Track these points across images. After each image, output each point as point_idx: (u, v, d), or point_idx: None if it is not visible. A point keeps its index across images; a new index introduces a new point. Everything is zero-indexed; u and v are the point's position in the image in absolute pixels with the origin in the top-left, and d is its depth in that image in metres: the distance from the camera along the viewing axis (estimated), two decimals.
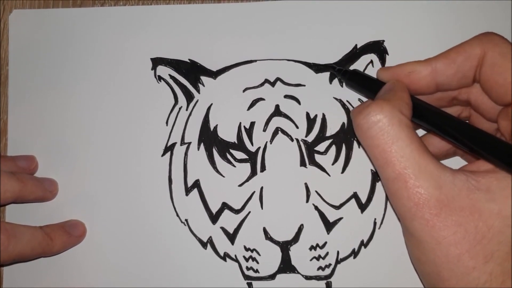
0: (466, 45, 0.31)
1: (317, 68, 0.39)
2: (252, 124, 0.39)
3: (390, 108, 0.29)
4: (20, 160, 0.39)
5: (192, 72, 0.40)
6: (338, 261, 0.38)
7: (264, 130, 0.39)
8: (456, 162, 0.36)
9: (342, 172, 0.38)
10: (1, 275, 0.39)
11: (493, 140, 0.29)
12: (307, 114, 0.39)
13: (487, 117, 0.32)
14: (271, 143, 0.39)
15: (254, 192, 0.38)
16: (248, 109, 0.39)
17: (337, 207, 0.38)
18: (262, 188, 0.38)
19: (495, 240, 0.27)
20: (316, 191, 0.38)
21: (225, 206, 0.38)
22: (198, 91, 0.40)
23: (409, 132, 0.29)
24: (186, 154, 0.39)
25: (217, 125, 0.39)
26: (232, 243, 0.38)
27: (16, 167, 0.38)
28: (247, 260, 0.38)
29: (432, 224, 0.27)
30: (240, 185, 0.39)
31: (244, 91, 0.39)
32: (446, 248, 0.27)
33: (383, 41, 0.39)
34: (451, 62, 0.31)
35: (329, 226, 0.38)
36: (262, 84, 0.39)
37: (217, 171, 0.39)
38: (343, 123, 0.39)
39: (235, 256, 0.38)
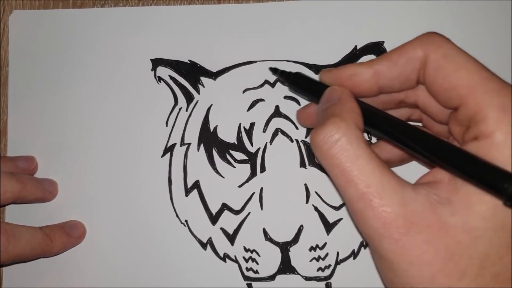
0: (408, 47, 0.29)
1: (317, 69, 0.39)
2: (252, 125, 0.39)
3: (346, 125, 0.28)
4: (19, 160, 0.39)
5: (192, 73, 0.40)
6: (338, 262, 0.38)
7: (264, 131, 0.39)
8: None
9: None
10: (0, 276, 0.39)
11: (447, 147, 0.27)
12: None
13: (437, 120, 0.31)
14: (271, 144, 0.39)
15: (254, 193, 0.38)
16: (248, 110, 0.39)
17: (337, 208, 0.38)
18: (262, 189, 0.38)
19: (466, 255, 0.25)
20: (316, 192, 0.38)
21: (225, 207, 0.38)
22: (198, 92, 0.40)
23: (367, 148, 0.28)
24: (186, 155, 0.39)
25: (217, 126, 0.39)
26: (232, 244, 0.38)
27: (16, 168, 0.38)
28: (246, 261, 0.38)
29: (401, 244, 0.26)
30: (240, 186, 0.39)
31: (244, 92, 0.40)
32: (419, 268, 0.26)
33: (383, 42, 0.39)
34: (392, 64, 0.30)
35: (329, 227, 0.38)
36: (262, 85, 0.39)
37: (217, 172, 0.39)
38: None
39: (235, 257, 0.38)
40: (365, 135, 0.39)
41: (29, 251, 0.35)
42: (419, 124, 0.35)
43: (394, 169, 0.29)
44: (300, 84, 0.34)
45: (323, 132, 0.28)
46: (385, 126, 0.30)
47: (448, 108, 0.29)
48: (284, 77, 0.35)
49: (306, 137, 0.39)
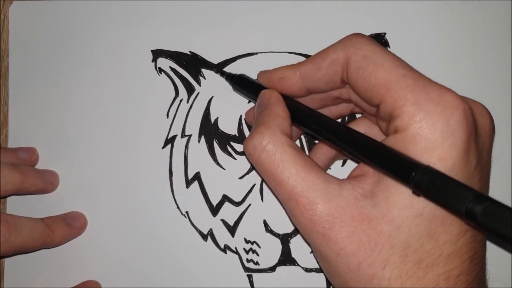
0: (330, 50, 0.31)
1: None
2: None
3: (271, 133, 0.30)
4: (21, 152, 0.39)
5: (193, 65, 0.40)
6: None
7: None
8: None
9: (343, 164, 0.38)
10: (2, 267, 0.39)
11: (363, 140, 0.29)
12: None
13: (370, 114, 0.32)
14: None
15: (255, 184, 0.38)
16: (249, 101, 0.39)
17: None
18: (262, 180, 0.38)
19: (388, 245, 0.27)
20: None
21: (225, 198, 0.39)
22: (199, 83, 0.40)
23: (292, 151, 0.30)
24: (186, 146, 0.39)
25: (217, 117, 0.39)
26: (233, 235, 0.38)
27: (17, 159, 0.38)
28: (247, 252, 0.38)
29: (328, 237, 0.28)
30: (240, 178, 0.39)
31: None
32: (346, 259, 0.27)
33: (385, 33, 0.39)
34: (316, 67, 0.31)
35: None
36: None
37: (218, 164, 0.39)
38: (345, 117, 0.39)
39: (236, 248, 0.38)
40: None
41: (30, 242, 0.35)
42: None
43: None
44: (243, 85, 0.37)
45: (251, 142, 0.30)
46: (310, 123, 0.32)
47: (372, 106, 0.30)
48: (229, 79, 0.38)
49: None
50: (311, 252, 0.38)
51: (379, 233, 0.27)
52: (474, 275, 0.27)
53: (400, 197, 0.27)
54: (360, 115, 0.37)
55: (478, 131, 0.28)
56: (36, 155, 0.39)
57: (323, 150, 0.36)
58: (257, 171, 0.35)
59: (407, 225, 0.26)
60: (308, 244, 0.31)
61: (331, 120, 0.31)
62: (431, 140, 0.26)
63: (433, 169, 0.25)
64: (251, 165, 0.34)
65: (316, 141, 0.38)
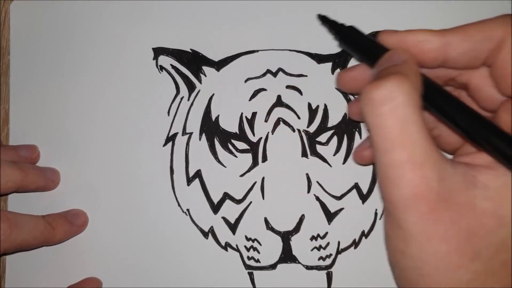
0: (488, 24, 0.28)
1: (320, 58, 0.39)
2: (254, 114, 0.39)
3: (409, 86, 0.26)
4: (21, 149, 0.39)
5: (194, 62, 0.40)
6: (339, 251, 0.38)
7: (266, 120, 0.39)
8: None
9: (344, 162, 0.38)
10: (4, 264, 0.39)
11: (500, 132, 0.26)
12: (309, 105, 0.39)
13: (483, 105, 0.30)
14: (272, 134, 0.39)
15: (256, 182, 0.38)
16: (250, 99, 0.39)
17: (338, 198, 0.38)
18: (263, 178, 0.38)
19: (485, 239, 0.26)
20: (318, 182, 0.38)
21: (226, 196, 0.39)
22: (200, 81, 0.40)
23: (421, 116, 0.26)
24: (187, 144, 0.39)
25: (218, 115, 0.39)
26: (234, 233, 0.38)
27: (17, 157, 0.38)
28: (248, 250, 0.38)
29: (427, 218, 0.25)
30: (241, 175, 0.39)
31: (246, 81, 0.39)
32: (436, 244, 0.26)
33: None
34: (467, 38, 0.28)
35: (330, 216, 0.38)
36: (264, 75, 0.39)
37: (219, 161, 0.39)
38: (345, 114, 0.39)
39: (236, 246, 0.38)
40: None
41: (31, 240, 0.35)
42: None
43: None
44: (354, 40, 0.31)
45: (383, 85, 0.25)
46: (443, 103, 0.28)
47: (507, 96, 0.28)
48: (335, 29, 0.32)
49: (307, 127, 0.39)
50: (312, 249, 0.38)
51: (481, 226, 0.26)
52: None
53: None
54: None
55: None
56: (37, 153, 0.39)
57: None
58: (360, 121, 0.30)
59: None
60: (389, 212, 0.27)
61: (469, 107, 0.28)
62: None
63: None
64: (362, 112, 0.27)
65: None
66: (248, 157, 0.39)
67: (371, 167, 0.38)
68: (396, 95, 0.25)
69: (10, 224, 0.34)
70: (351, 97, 0.39)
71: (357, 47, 0.31)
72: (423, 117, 0.26)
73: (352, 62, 0.39)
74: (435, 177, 0.26)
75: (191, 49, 0.40)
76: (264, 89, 0.39)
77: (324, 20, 0.33)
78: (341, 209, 0.38)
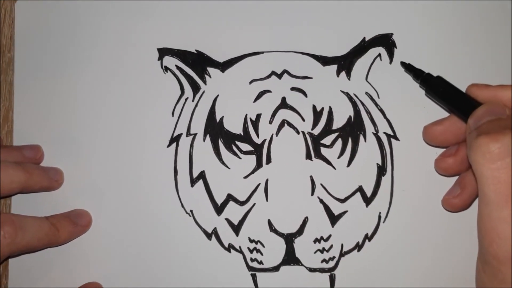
0: None
1: (325, 60, 0.39)
2: (258, 116, 0.39)
3: None
4: (25, 150, 0.39)
5: (198, 63, 0.40)
6: (342, 254, 0.38)
7: (270, 122, 0.39)
8: None
9: (348, 165, 0.38)
10: (7, 267, 0.39)
11: None
12: (314, 107, 0.39)
13: None
14: (277, 136, 0.39)
15: (259, 184, 0.38)
16: (255, 101, 0.39)
17: (342, 201, 0.38)
18: (267, 180, 0.38)
19: None
20: (321, 184, 0.38)
21: (230, 197, 0.39)
22: (205, 82, 0.40)
23: None
24: (192, 145, 0.39)
25: (223, 116, 0.39)
26: (237, 234, 0.38)
27: (22, 157, 0.38)
28: (251, 251, 0.38)
29: None
30: (245, 177, 0.39)
31: (250, 83, 0.39)
32: None
33: (392, 34, 0.39)
34: None
35: (333, 219, 0.38)
36: (268, 76, 0.39)
37: (223, 163, 0.39)
38: (350, 117, 0.39)
39: (240, 247, 0.38)
40: None
41: (36, 242, 0.35)
42: None
43: None
44: (443, 91, 0.34)
45: (502, 140, 0.27)
46: None
47: None
48: (421, 79, 0.35)
49: (312, 129, 0.38)
50: (315, 252, 0.38)
51: None
52: None
53: None
54: None
55: None
56: (41, 153, 0.39)
57: None
58: (475, 172, 0.29)
59: None
60: (492, 265, 0.28)
61: None
62: None
63: None
64: (474, 162, 0.29)
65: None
66: (252, 158, 0.39)
67: (374, 170, 0.38)
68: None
69: (15, 227, 0.34)
70: (357, 101, 0.39)
71: (446, 98, 0.34)
72: None
73: (358, 66, 0.39)
74: None
75: (196, 50, 0.40)
76: (268, 91, 0.39)
77: (409, 68, 0.36)
78: (345, 212, 0.38)
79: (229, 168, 0.39)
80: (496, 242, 0.27)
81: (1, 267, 0.39)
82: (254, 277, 0.38)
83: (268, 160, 0.39)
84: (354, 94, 0.39)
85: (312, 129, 0.39)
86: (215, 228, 0.39)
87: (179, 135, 0.39)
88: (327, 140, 0.38)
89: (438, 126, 0.36)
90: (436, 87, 0.35)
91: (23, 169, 0.36)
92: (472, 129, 0.30)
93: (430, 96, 0.36)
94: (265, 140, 0.39)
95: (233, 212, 0.39)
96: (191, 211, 0.39)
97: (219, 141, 0.39)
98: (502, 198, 0.27)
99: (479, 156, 0.28)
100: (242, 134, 0.39)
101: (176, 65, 0.40)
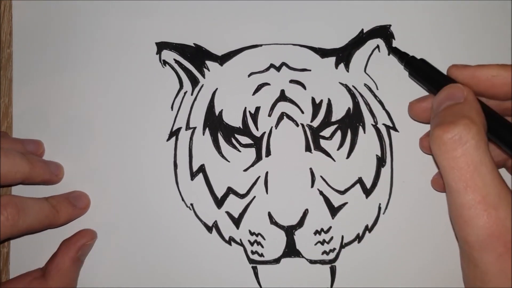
0: None
1: (323, 52, 0.39)
2: (257, 109, 0.39)
3: (478, 129, 0.27)
4: (28, 143, 0.39)
5: (197, 57, 0.40)
6: (342, 246, 0.38)
7: (269, 115, 0.39)
8: None
9: (347, 157, 0.38)
10: (8, 263, 0.39)
11: None
12: (313, 99, 0.39)
13: None
14: (276, 128, 0.39)
15: (259, 177, 0.38)
16: (253, 94, 0.39)
17: (342, 192, 0.38)
18: (267, 173, 0.38)
19: None
20: (321, 176, 0.38)
21: (230, 190, 0.39)
22: (203, 75, 0.40)
23: (491, 157, 0.27)
24: (191, 138, 0.39)
25: (222, 110, 0.39)
26: (237, 227, 0.38)
27: (24, 150, 0.38)
28: (252, 244, 0.38)
29: (504, 258, 0.26)
30: (245, 170, 0.39)
31: (249, 76, 0.39)
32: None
33: (390, 25, 0.39)
34: None
35: (333, 211, 0.38)
36: (267, 69, 0.39)
37: (222, 156, 0.39)
38: (349, 108, 0.39)
39: (240, 240, 0.38)
40: None
41: (37, 224, 0.35)
42: None
43: None
44: (424, 72, 0.34)
45: (453, 131, 0.27)
46: (505, 135, 0.30)
47: None
48: (405, 61, 0.36)
49: (311, 121, 0.39)
50: (316, 244, 0.38)
51: None
52: None
53: None
54: None
55: None
56: (42, 148, 0.39)
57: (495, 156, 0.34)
58: (436, 162, 0.30)
59: None
60: (465, 252, 0.28)
61: None
62: None
63: None
64: (433, 154, 0.29)
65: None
66: (252, 151, 0.39)
67: (374, 162, 0.38)
68: (467, 139, 0.27)
69: (17, 209, 0.34)
70: (355, 93, 0.39)
71: (427, 79, 0.34)
72: (492, 158, 0.27)
73: (356, 57, 0.39)
74: (510, 217, 0.26)
75: (194, 44, 0.40)
76: (267, 84, 0.39)
77: (395, 51, 0.37)
78: (345, 203, 0.38)
79: (229, 161, 0.39)
80: (464, 229, 0.28)
81: (1, 263, 0.39)
82: (255, 269, 0.38)
83: (268, 153, 0.39)
84: (353, 86, 0.39)
85: (311, 121, 0.39)
86: (216, 221, 0.39)
87: (179, 129, 0.39)
88: (327, 132, 0.38)
89: (422, 102, 0.36)
90: (418, 69, 0.35)
91: (27, 160, 0.36)
92: (434, 113, 0.31)
93: (413, 78, 0.36)
94: (264, 133, 0.39)
95: (234, 205, 0.39)
96: (192, 204, 0.39)
97: (219, 134, 0.39)
98: (461, 184, 0.27)
99: (436, 148, 0.28)
100: (241, 127, 0.39)
101: (174, 59, 0.40)
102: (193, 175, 0.39)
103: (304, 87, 0.39)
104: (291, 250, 0.38)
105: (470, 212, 0.27)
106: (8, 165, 0.34)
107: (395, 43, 0.39)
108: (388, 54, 0.39)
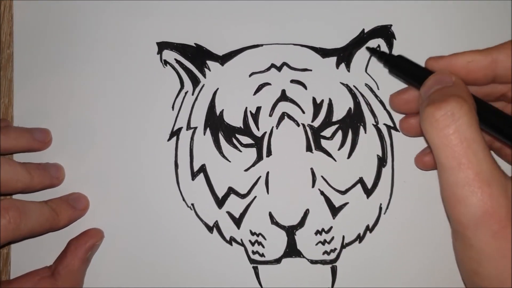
0: None
1: (324, 52, 0.39)
2: (258, 109, 0.39)
3: (469, 107, 0.27)
4: (36, 132, 0.39)
5: (198, 57, 0.40)
6: (343, 246, 0.38)
7: (270, 115, 0.39)
8: None
9: (348, 157, 0.38)
10: (8, 263, 0.39)
11: None
12: (314, 99, 0.39)
13: None
14: (277, 128, 0.39)
15: (260, 177, 0.38)
16: (254, 94, 0.39)
17: (343, 192, 0.38)
18: (268, 173, 0.38)
19: None
20: (322, 176, 0.38)
21: (231, 190, 0.39)
22: (204, 75, 0.40)
23: (482, 135, 0.27)
24: (192, 138, 0.39)
25: (223, 110, 0.39)
26: (238, 227, 0.38)
27: (32, 140, 0.38)
28: (253, 244, 0.38)
29: (500, 235, 0.26)
30: (246, 170, 0.39)
31: (250, 75, 0.39)
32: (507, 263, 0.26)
33: (391, 25, 0.39)
34: None
35: (334, 211, 0.38)
36: (268, 69, 0.39)
37: (223, 156, 0.39)
38: (350, 108, 0.39)
39: (241, 240, 0.38)
40: None
41: (38, 227, 0.35)
42: None
43: None
44: (403, 68, 0.34)
45: (446, 107, 0.27)
46: (494, 120, 0.30)
47: None
48: (384, 59, 0.36)
49: (312, 121, 0.39)
50: (317, 244, 0.38)
51: None
52: None
53: None
54: None
55: None
56: (50, 136, 0.39)
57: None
58: (426, 140, 0.30)
59: None
60: (458, 232, 0.28)
61: None
62: None
63: None
64: (424, 132, 0.29)
65: None
66: (253, 151, 0.39)
67: (375, 162, 0.38)
68: (459, 116, 0.27)
69: (19, 213, 0.34)
70: (356, 93, 0.39)
71: (407, 74, 0.34)
72: (482, 135, 0.27)
73: (357, 57, 0.39)
74: (503, 194, 0.26)
75: (195, 44, 0.40)
76: (268, 84, 0.39)
77: (373, 51, 0.37)
78: (346, 203, 0.38)
79: (230, 161, 0.39)
80: (457, 208, 0.27)
81: (1, 263, 0.39)
82: (256, 269, 0.38)
83: (269, 153, 0.39)
84: (354, 86, 0.39)
85: (312, 121, 0.39)
86: (217, 221, 0.39)
87: (179, 129, 0.39)
88: (327, 132, 0.38)
89: (403, 95, 0.36)
90: (396, 65, 0.35)
91: (27, 170, 0.36)
92: (424, 99, 0.31)
93: (393, 74, 0.36)
94: (265, 132, 0.39)
95: (234, 205, 0.39)
96: (192, 204, 0.39)
97: (220, 134, 0.39)
98: (454, 162, 0.27)
99: (428, 126, 0.28)
100: (242, 127, 0.39)
101: (175, 59, 0.40)
102: (194, 175, 0.39)
103: (305, 87, 0.39)
104: (292, 250, 0.38)
105: (463, 190, 0.27)
106: (10, 174, 0.35)
107: (396, 43, 0.39)
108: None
